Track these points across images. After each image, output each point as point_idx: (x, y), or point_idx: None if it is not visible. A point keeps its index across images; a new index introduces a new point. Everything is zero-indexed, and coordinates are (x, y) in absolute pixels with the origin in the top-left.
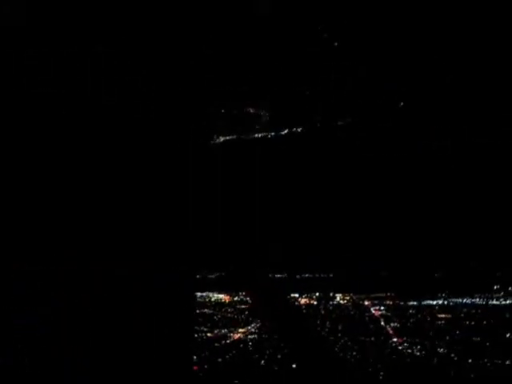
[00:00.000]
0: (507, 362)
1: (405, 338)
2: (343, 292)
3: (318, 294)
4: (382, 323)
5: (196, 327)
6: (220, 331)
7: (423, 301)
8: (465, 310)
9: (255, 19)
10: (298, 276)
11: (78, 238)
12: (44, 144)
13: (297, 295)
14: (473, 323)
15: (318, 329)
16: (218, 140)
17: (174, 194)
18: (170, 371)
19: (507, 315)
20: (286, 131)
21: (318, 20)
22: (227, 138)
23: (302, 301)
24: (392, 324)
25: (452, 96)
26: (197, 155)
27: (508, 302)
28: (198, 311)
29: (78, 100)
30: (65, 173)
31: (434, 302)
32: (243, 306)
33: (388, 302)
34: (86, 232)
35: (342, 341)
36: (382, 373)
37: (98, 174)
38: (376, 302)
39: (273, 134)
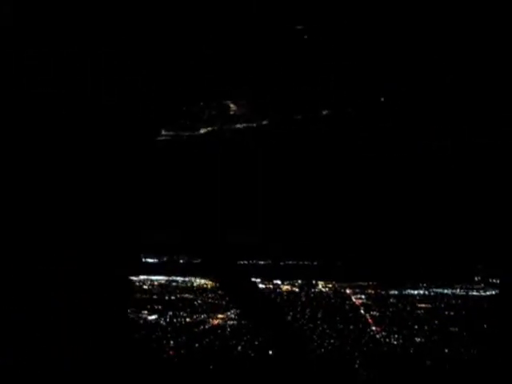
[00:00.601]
0: (483, 352)
1: (383, 327)
2: (325, 279)
3: (300, 281)
4: (362, 311)
5: (175, 312)
6: (199, 316)
7: (404, 290)
8: (445, 300)
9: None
10: (281, 263)
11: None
12: (43, 144)
13: (279, 282)
14: (452, 313)
15: (298, 316)
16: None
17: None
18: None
19: (486, 306)
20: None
21: (315, 19)
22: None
23: (284, 288)
24: (372, 313)
25: (452, 96)
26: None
27: (488, 293)
28: (178, 296)
29: (76, 99)
30: (63, 173)
31: (415, 292)
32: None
33: (369, 291)
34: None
35: (321, 328)
36: (358, 361)
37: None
38: (357, 290)
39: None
